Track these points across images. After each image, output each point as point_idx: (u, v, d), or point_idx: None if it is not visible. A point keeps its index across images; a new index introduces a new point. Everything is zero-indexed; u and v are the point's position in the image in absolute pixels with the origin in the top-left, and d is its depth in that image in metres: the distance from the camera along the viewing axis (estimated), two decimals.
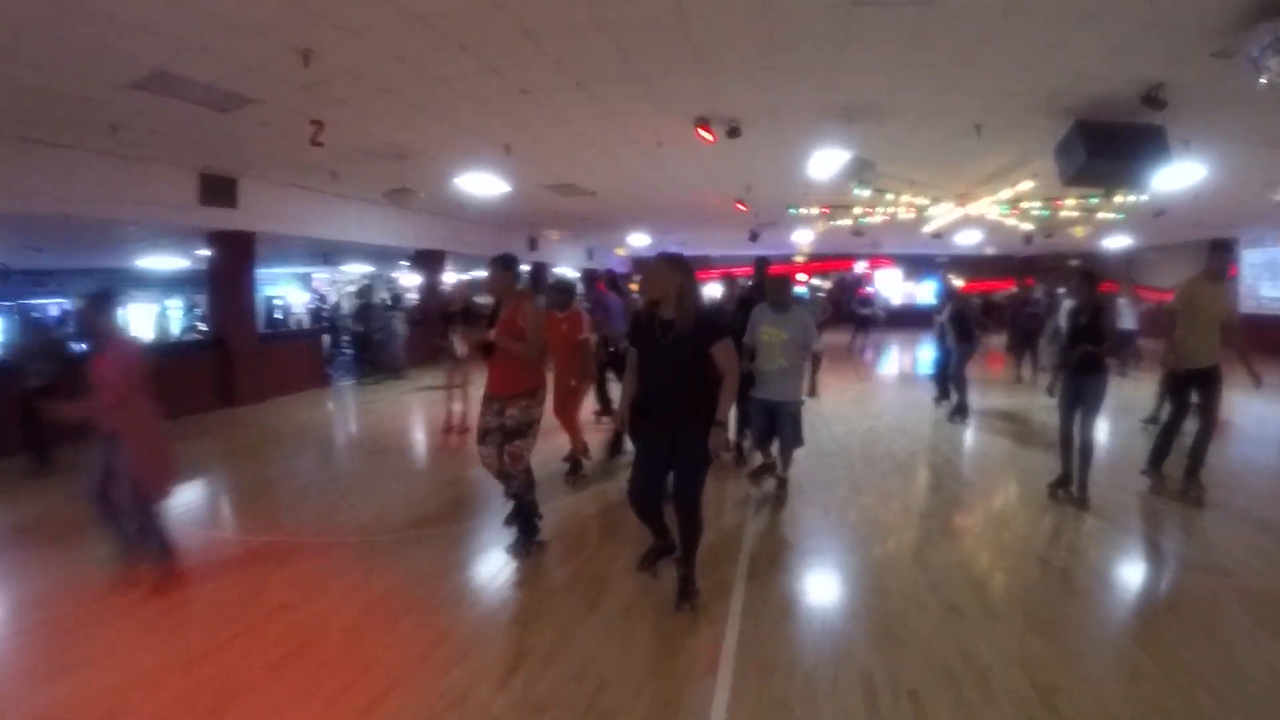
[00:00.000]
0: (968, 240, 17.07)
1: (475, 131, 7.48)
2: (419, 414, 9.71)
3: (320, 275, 21.20)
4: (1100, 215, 12.22)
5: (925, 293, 25.31)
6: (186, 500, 6.01)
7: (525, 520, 4.45)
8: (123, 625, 3.53)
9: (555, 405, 5.97)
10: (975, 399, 8.65)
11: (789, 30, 4.95)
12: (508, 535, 4.55)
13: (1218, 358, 5.26)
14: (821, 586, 4.09)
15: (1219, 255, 5.46)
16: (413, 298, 17.39)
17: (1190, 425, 5.45)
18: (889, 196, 11.17)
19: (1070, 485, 5.39)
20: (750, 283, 8.68)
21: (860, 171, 8.31)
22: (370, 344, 13.18)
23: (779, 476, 5.55)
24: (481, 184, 9.76)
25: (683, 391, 3.52)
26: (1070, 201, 11.12)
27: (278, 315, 20.47)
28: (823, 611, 3.75)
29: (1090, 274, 5.51)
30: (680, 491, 3.59)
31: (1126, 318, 11.00)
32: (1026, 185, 9.90)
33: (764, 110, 6.83)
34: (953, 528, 5.06)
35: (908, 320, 23.15)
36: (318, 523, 5.13)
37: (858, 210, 12.57)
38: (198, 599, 3.85)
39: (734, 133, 7.22)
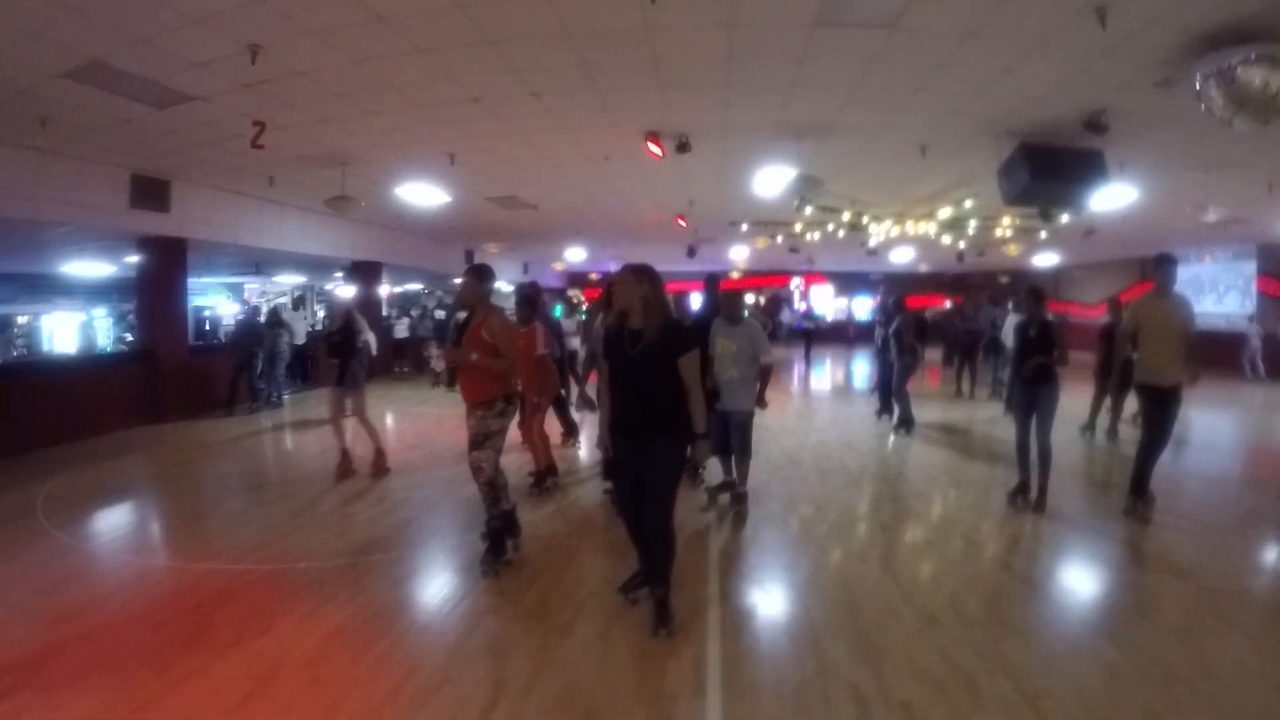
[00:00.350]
0: (902, 257, 17.63)
1: (422, 139, 7.29)
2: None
3: (251, 285, 20.31)
4: (1034, 234, 12.79)
5: (859, 309, 26.24)
6: (116, 525, 5.61)
7: (494, 536, 4.31)
8: (52, 666, 3.17)
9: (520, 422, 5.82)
10: (917, 413, 8.85)
11: (751, 47, 4.99)
12: (475, 553, 4.40)
13: (1179, 376, 5.10)
14: (796, 601, 4.04)
15: (1163, 270, 5.19)
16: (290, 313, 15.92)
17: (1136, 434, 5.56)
18: (830, 214, 11.40)
19: (1029, 493, 5.55)
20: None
21: (806, 189, 8.43)
22: (252, 370, 11.00)
23: (738, 492, 5.54)
24: (423, 194, 9.57)
25: (652, 402, 3.46)
26: (1006, 220, 11.58)
27: (207, 327, 19.49)
28: (801, 626, 3.69)
29: (1038, 291, 5.72)
30: (651, 504, 3.50)
31: None
32: (967, 204, 10.26)
33: (716, 126, 6.86)
34: (916, 538, 5.12)
35: (840, 335, 24.36)
36: (261, 548, 4.79)
37: (799, 227, 12.80)
38: (140, 635, 3.51)
39: (683, 148, 7.20)
